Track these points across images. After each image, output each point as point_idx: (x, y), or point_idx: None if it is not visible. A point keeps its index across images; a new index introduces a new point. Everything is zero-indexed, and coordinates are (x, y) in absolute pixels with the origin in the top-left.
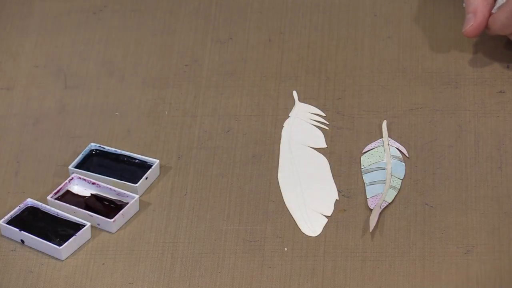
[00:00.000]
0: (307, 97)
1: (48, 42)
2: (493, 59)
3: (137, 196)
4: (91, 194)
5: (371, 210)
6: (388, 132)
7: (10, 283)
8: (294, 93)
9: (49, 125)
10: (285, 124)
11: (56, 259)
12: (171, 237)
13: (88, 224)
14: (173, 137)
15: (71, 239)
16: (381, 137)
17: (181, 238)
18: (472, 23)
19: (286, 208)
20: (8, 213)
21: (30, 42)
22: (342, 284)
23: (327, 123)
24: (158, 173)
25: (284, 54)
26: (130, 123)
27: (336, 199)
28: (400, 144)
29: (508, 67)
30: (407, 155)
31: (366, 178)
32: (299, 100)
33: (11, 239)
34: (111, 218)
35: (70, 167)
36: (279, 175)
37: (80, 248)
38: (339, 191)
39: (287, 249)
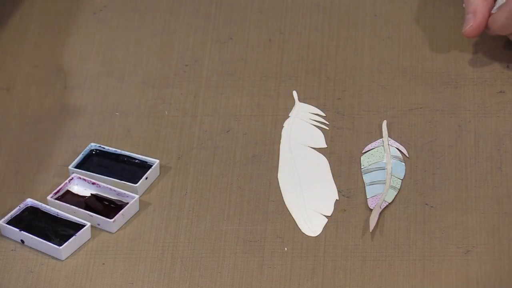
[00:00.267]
0: (307, 97)
1: (48, 42)
2: (493, 59)
3: (137, 196)
4: (91, 194)
5: (371, 210)
6: (388, 132)
7: (10, 283)
8: (294, 93)
9: (49, 125)
10: (285, 124)
11: (56, 259)
12: (171, 237)
13: (88, 224)
14: (173, 137)
15: (71, 239)
16: (381, 137)
17: (181, 238)
18: (472, 24)
19: (286, 208)
20: (8, 213)
21: (30, 42)
22: (342, 284)
23: (327, 123)
24: (158, 173)
25: (284, 54)
26: (130, 123)
27: (336, 199)
28: (400, 144)
29: (508, 67)
30: (407, 155)
31: (366, 178)
32: (299, 100)
33: (11, 239)
34: (111, 218)
35: (70, 167)
36: (279, 175)
37: (80, 248)
38: (339, 191)
39: (287, 249)
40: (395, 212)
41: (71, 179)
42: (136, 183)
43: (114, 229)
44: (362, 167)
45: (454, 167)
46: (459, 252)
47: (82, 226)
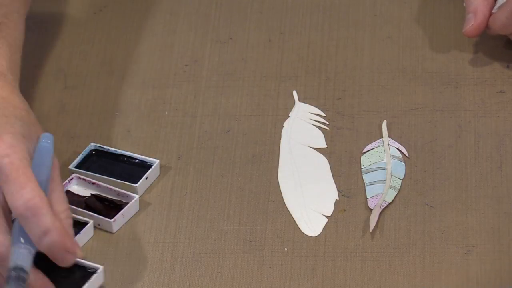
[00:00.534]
0: (307, 97)
1: (48, 42)
2: (493, 59)
3: (137, 196)
4: (91, 194)
5: (371, 210)
6: (388, 132)
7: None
8: (294, 93)
9: (49, 125)
10: (285, 124)
11: None
12: (171, 237)
13: (91, 221)
14: (173, 137)
15: (76, 237)
16: (381, 137)
17: (181, 238)
18: (473, 23)
19: (286, 208)
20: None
21: (31, 42)
22: (342, 284)
23: (327, 123)
24: (158, 173)
25: (284, 54)
26: (130, 123)
27: (336, 199)
28: (400, 144)
29: (508, 67)
30: (407, 155)
31: (366, 178)
32: (299, 100)
33: None
34: (111, 218)
35: (70, 167)
36: (279, 175)
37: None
38: (339, 191)
39: (287, 249)
40: (395, 212)
41: (71, 179)
42: (136, 183)
43: (114, 229)
44: (362, 167)
45: (454, 167)
46: (459, 252)
47: (83, 224)
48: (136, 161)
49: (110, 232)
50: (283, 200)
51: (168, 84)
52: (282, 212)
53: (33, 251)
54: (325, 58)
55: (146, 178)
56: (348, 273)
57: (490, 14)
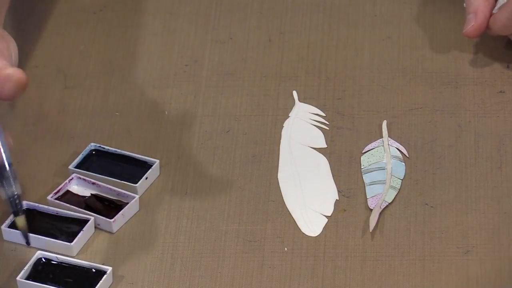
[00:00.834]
0: (307, 97)
1: (48, 42)
2: (493, 59)
3: (137, 196)
4: (91, 194)
5: (371, 210)
6: (388, 132)
7: (10, 283)
8: (294, 93)
9: (49, 125)
10: (285, 124)
11: None
12: (171, 237)
13: (92, 218)
14: (173, 137)
15: (80, 235)
16: (381, 137)
17: (181, 238)
18: (473, 24)
19: (286, 208)
20: (8, 216)
21: (30, 42)
22: (342, 284)
23: (327, 123)
24: (158, 173)
25: (284, 54)
26: (130, 123)
27: (336, 199)
28: (400, 144)
29: (508, 67)
30: (407, 155)
31: (366, 178)
32: (299, 100)
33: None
34: (111, 218)
35: (70, 167)
36: (279, 175)
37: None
38: (339, 191)
39: (287, 249)
40: (395, 212)
41: (71, 179)
42: (136, 183)
43: (114, 229)
44: (362, 167)
45: (454, 167)
46: (459, 252)
47: (84, 221)
48: (136, 161)
49: (110, 232)
50: (283, 200)
51: (168, 84)
52: (282, 212)
53: None
54: (325, 58)
55: (146, 178)
56: (348, 273)
57: (491, 14)
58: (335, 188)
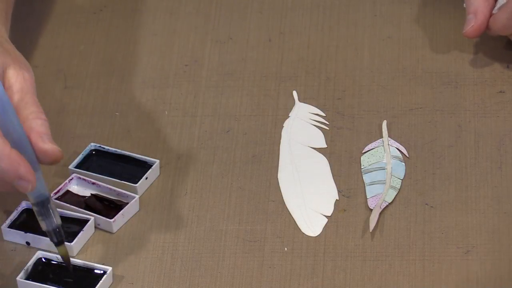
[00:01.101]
0: (307, 97)
1: (48, 42)
2: (493, 59)
3: (137, 196)
4: (91, 194)
5: (371, 210)
6: (388, 132)
7: (10, 283)
8: (294, 93)
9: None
10: (285, 124)
11: None
12: (171, 237)
13: (92, 218)
14: (173, 137)
15: (80, 235)
16: (381, 137)
17: (181, 238)
18: (473, 24)
19: (286, 208)
20: (8, 216)
21: (30, 42)
22: (342, 284)
23: (327, 123)
24: (158, 173)
25: (284, 54)
26: (130, 123)
27: (336, 199)
28: (400, 144)
29: (508, 67)
30: (407, 155)
31: (366, 178)
32: (299, 100)
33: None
34: (111, 218)
35: (70, 167)
36: (279, 175)
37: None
38: (339, 191)
39: (287, 249)
40: (395, 212)
41: (71, 179)
42: (136, 183)
43: (114, 229)
44: (362, 167)
45: (454, 167)
46: (459, 252)
47: (84, 221)
48: (136, 161)
49: (110, 232)
50: (283, 200)
51: (168, 84)
52: (282, 212)
53: None
54: (325, 58)
55: (146, 178)
56: (348, 273)
57: (491, 14)
58: (335, 188)
